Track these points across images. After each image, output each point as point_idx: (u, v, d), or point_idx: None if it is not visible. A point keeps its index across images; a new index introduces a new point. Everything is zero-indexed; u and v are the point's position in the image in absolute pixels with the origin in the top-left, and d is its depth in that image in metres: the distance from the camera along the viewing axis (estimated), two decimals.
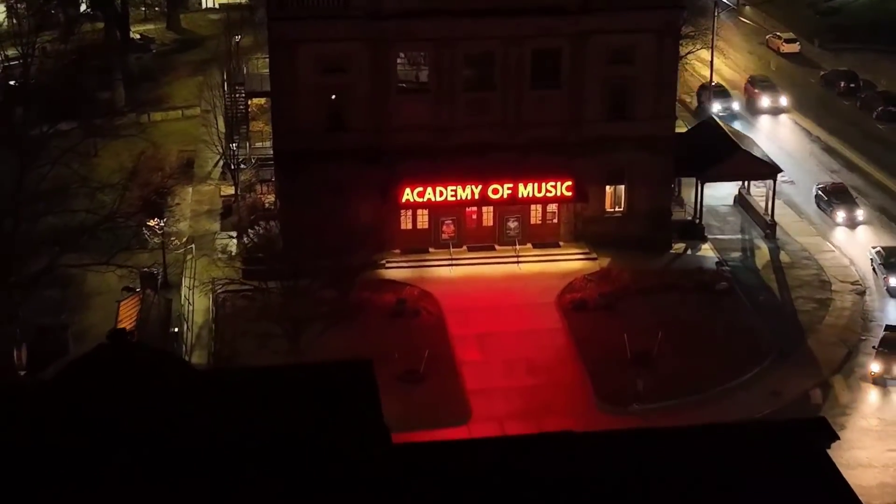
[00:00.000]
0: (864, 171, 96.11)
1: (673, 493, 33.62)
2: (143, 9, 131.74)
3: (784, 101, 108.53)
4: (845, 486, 35.63)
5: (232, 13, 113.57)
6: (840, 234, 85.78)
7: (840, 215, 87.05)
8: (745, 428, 42.24)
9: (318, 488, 31.30)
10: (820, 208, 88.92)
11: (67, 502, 30.03)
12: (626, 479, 34.00)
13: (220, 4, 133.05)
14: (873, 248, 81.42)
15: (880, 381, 67.87)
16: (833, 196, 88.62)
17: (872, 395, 67.72)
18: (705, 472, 34.80)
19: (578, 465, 34.45)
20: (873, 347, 70.00)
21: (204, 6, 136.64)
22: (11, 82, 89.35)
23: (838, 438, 38.94)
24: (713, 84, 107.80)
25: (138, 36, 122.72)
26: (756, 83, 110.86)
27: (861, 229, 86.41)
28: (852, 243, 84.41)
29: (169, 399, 33.01)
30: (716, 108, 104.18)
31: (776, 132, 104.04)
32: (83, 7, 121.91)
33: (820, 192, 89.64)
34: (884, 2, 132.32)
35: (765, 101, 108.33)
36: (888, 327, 71.77)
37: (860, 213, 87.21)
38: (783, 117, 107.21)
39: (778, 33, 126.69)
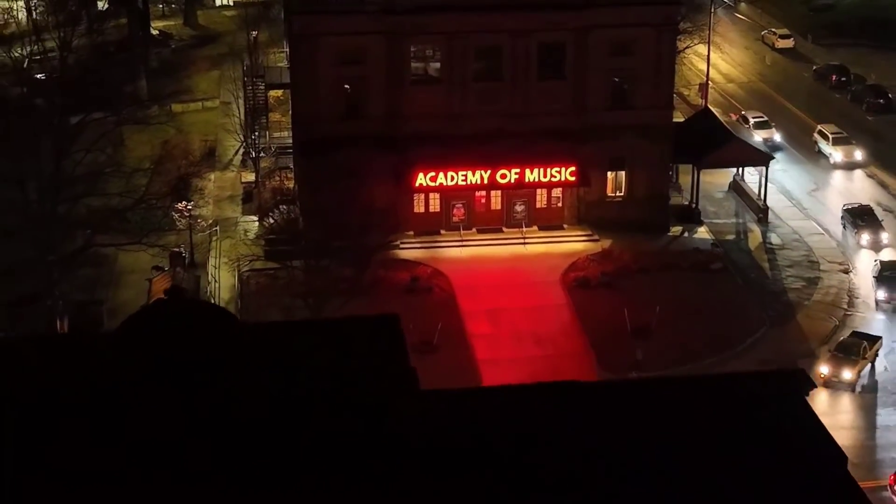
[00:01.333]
0: None
1: (662, 434, 36.84)
2: (161, 6, 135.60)
3: (859, 154, 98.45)
4: (821, 427, 39.66)
5: (248, 10, 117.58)
6: (863, 256, 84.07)
7: (864, 237, 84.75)
8: (731, 377, 46.29)
9: (356, 425, 35.13)
10: (845, 230, 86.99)
11: (144, 436, 33.61)
12: (619, 423, 37.66)
13: (234, 1, 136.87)
14: (875, 259, 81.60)
15: (830, 385, 68.29)
16: (858, 218, 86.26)
17: None
18: (693, 416, 38.28)
19: (582, 408, 38.43)
20: (829, 350, 70.54)
21: (219, 3, 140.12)
22: (39, 75, 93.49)
23: (815, 386, 43.02)
24: (756, 116, 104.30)
25: (157, 32, 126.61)
26: (826, 135, 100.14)
27: (885, 251, 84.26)
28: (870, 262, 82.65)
29: (224, 345, 37.05)
30: (756, 139, 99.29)
31: (850, 190, 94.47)
32: (103, 5, 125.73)
33: (846, 214, 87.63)
34: None
35: (837, 155, 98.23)
36: (854, 334, 72.21)
37: (885, 236, 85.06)
38: (858, 173, 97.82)
39: (773, 29, 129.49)
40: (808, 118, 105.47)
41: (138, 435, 32.70)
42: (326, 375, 36.99)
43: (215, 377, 35.23)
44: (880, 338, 71.88)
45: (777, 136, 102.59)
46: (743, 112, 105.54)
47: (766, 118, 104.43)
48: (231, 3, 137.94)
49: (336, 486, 32.01)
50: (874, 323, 76.23)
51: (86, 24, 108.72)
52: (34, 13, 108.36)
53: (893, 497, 59.46)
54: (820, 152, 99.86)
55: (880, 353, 71.45)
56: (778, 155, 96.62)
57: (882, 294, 77.67)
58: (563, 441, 35.33)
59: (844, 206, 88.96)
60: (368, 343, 39.73)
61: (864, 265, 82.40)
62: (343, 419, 34.90)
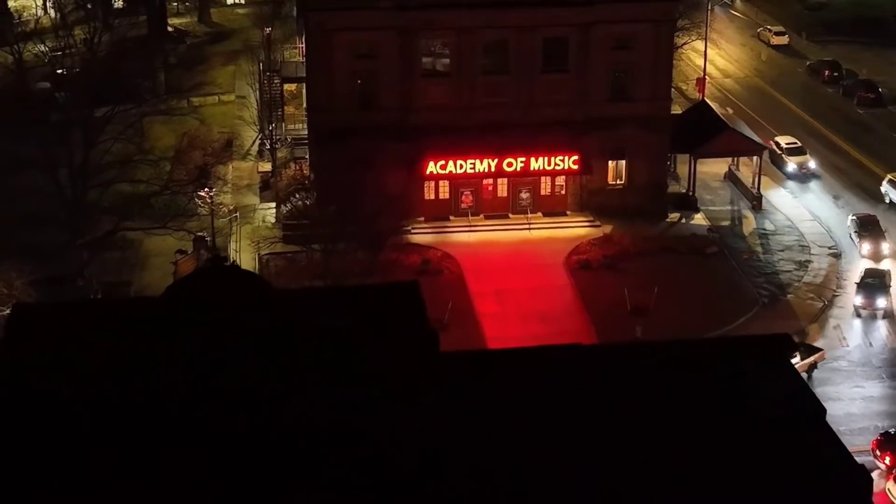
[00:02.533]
0: (843, 151, 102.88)
1: (657, 391, 38.90)
2: (176, 3, 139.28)
3: None
4: (802, 383, 43.56)
5: (262, 7, 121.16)
6: (864, 263, 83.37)
7: (865, 247, 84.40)
8: (721, 340, 49.94)
9: (380, 382, 38.56)
10: (851, 239, 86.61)
11: (198, 389, 36.09)
12: (618, 381, 40.74)
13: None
14: (864, 267, 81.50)
15: None
16: (862, 227, 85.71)
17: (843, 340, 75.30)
18: (686, 374, 41.07)
19: (586, 368, 42.01)
20: None
21: (231, 1, 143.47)
22: (60, 71, 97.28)
23: (798, 349, 47.10)
24: (789, 142, 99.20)
25: (172, 29, 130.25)
26: None
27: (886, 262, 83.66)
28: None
29: (263, 306, 40.71)
30: (790, 167, 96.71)
31: None
32: (118, 3, 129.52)
33: (852, 222, 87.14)
34: None
35: None
36: (803, 345, 71.04)
37: (886, 247, 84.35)
38: None
39: (768, 26, 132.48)
40: (838, 139, 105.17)
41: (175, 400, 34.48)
42: (354, 335, 40.56)
43: (252, 334, 38.68)
44: (821, 350, 71.64)
45: (812, 163, 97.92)
46: (775, 137, 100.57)
47: (799, 144, 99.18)
48: (243, 1, 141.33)
49: (363, 446, 35.17)
50: (851, 322, 78.12)
51: (105, 22, 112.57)
52: (62, 11, 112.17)
53: (876, 461, 63.36)
54: (891, 203, 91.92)
55: (820, 364, 71.08)
56: (814, 184, 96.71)
57: (859, 300, 77.97)
58: (565, 395, 38.00)
59: (852, 214, 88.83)
60: (392, 306, 43.55)
61: (861, 264, 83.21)
62: (369, 377, 38.52)
